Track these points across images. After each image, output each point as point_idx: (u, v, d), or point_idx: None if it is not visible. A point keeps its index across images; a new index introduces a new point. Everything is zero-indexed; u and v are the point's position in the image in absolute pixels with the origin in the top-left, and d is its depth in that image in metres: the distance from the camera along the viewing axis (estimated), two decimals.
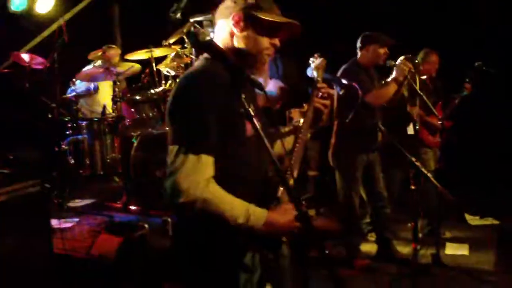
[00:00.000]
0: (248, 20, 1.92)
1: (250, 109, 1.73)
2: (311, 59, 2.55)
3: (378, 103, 4.18)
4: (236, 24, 1.92)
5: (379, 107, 4.27)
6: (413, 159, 3.00)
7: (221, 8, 1.99)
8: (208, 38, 1.79)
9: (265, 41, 1.96)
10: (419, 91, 4.12)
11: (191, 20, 6.43)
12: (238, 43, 1.94)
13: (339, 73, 4.29)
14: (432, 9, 6.21)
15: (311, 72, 2.72)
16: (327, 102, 2.24)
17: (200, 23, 6.27)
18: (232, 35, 1.94)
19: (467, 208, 5.94)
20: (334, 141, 4.46)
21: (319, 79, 2.36)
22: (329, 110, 2.29)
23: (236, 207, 1.77)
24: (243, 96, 1.73)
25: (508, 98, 6.28)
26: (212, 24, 2.07)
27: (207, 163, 1.76)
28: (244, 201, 1.80)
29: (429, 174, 3.01)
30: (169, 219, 4.10)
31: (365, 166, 4.39)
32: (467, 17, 6.18)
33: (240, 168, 1.88)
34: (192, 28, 5.23)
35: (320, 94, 2.25)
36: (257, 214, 1.80)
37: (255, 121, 1.72)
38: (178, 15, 7.57)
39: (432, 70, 5.24)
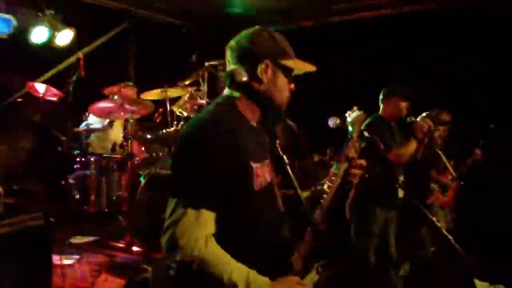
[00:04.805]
0: (276, 67, 1.83)
1: (284, 156, 1.67)
2: (348, 112, 2.28)
3: (399, 161, 4.09)
4: (264, 71, 1.81)
5: (401, 164, 4.19)
6: (434, 219, 2.91)
7: (240, 52, 1.85)
8: (244, 79, 1.74)
9: (286, 87, 1.88)
10: (437, 150, 4.07)
11: (207, 63, 6.49)
12: (263, 90, 1.83)
13: (362, 126, 4.19)
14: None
15: (332, 123, 2.61)
16: (360, 172, 2.05)
17: (215, 67, 6.30)
18: (257, 81, 1.81)
19: (477, 273, 5.76)
20: (353, 193, 4.34)
21: (354, 135, 2.11)
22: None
23: (236, 272, 1.65)
24: (277, 142, 1.67)
25: None
26: (225, 68, 1.90)
27: (208, 219, 1.66)
28: (246, 264, 1.68)
29: (450, 237, 2.92)
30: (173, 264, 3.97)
31: (381, 223, 4.24)
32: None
33: (249, 225, 1.77)
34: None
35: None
36: (258, 283, 1.68)
37: (289, 171, 1.65)
38: (194, 58, 7.69)
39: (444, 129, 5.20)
